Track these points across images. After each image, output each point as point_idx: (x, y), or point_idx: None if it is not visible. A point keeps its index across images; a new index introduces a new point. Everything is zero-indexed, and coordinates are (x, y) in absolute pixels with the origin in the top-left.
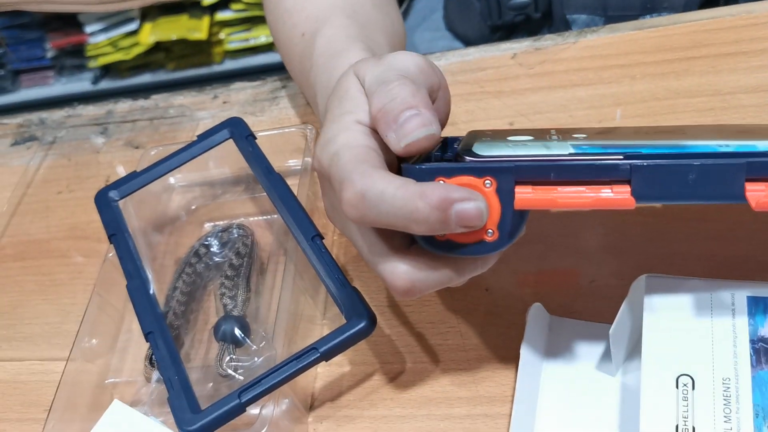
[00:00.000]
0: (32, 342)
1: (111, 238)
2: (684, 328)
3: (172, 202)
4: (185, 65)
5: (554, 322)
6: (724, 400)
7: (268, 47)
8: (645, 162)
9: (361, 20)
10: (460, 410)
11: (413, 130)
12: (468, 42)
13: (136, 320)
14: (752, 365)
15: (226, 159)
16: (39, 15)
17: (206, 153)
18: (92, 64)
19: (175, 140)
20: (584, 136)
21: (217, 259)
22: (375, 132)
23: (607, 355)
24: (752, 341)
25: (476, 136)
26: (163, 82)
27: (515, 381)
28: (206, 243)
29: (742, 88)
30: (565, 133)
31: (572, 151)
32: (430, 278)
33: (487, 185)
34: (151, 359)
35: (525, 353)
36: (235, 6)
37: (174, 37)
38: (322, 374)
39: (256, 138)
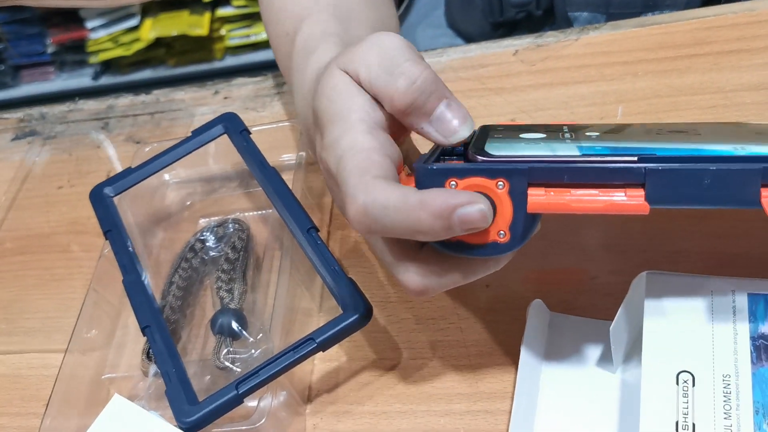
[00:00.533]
0: (32, 336)
1: (107, 234)
2: (684, 325)
3: (167, 198)
4: (186, 61)
5: (555, 318)
6: (725, 396)
7: (269, 43)
8: (660, 165)
9: (342, 15)
10: (460, 406)
11: (457, 128)
12: (470, 39)
13: (132, 316)
14: (752, 362)
15: (221, 154)
16: (39, 10)
17: (201, 148)
18: (93, 59)
19: (176, 135)
20: (597, 134)
21: (213, 254)
22: (377, 128)
23: (607, 352)
24: (753, 338)
25: (488, 132)
26: (164, 78)
27: (516, 377)
28: (202, 238)
29: (745, 86)
30: (577, 131)
31: (585, 151)
32: (442, 279)
33: (500, 187)
34: (148, 353)
35: (525, 350)
36: (236, 2)
37: (175, 32)
38: (319, 368)
39: (250, 133)
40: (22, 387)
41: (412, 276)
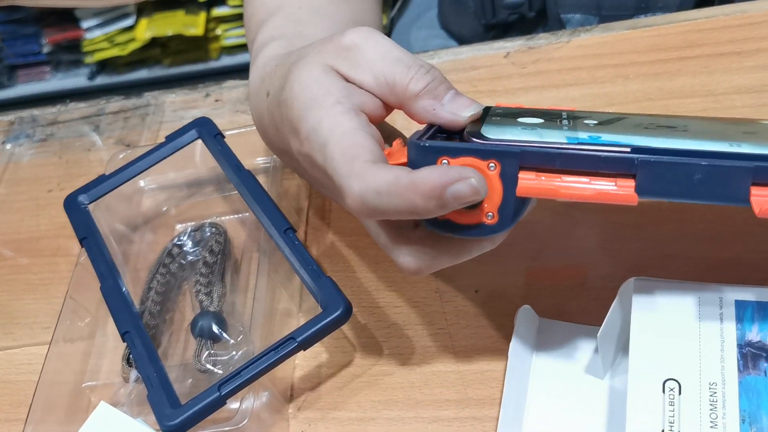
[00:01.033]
0: (20, 341)
1: (82, 242)
2: (672, 332)
3: (143, 205)
4: (181, 61)
5: (543, 324)
6: (711, 405)
7: None
8: (652, 157)
9: (303, 17)
10: (449, 413)
11: (470, 104)
12: (462, 40)
13: (110, 324)
14: (739, 370)
15: (197, 159)
16: (35, 10)
17: (176, 153)
18: (88, 59)
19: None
20: (594, 122)
21: (190, 258)
22: (356, 109)
23: (595, 358)
24: (740, 346)
25: (486, 113)
26: (160, 78)
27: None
28: (179, 243)
29: (735, 89)
30: (575, 118)
31: (580, 140)
32: (436, 258)
33: (491, 168)
34: (128, 359)
35: (513, 356)
36: (231, 2)
37: (170, 32)
38: (302, 370)
39: (224, 137)
40: (10, 392)
41: (406, 257)
